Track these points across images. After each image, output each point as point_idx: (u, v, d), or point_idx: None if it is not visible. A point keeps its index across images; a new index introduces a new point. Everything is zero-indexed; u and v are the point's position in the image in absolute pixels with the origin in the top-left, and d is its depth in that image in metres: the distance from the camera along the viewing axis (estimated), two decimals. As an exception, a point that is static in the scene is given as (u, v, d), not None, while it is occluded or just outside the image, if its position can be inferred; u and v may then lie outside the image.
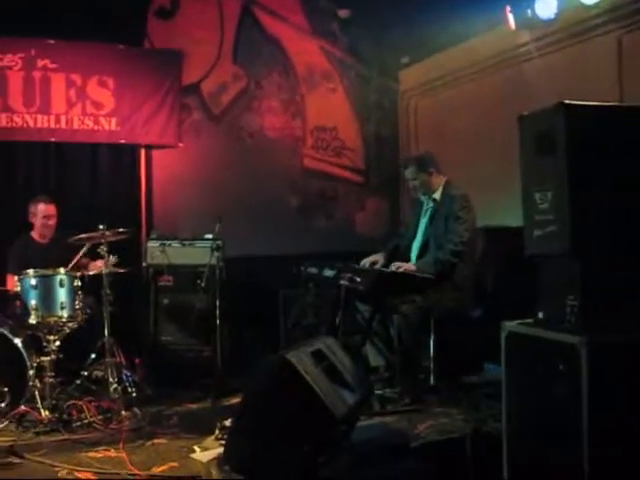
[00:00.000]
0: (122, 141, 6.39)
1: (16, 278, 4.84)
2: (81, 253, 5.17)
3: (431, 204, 5.08)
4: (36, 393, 4.56)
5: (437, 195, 5.05)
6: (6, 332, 4.54)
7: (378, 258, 5.19)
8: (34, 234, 5.59)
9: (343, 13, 7.39)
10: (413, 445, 3.73)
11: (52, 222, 5.56)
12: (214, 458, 3.45)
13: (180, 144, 6.62)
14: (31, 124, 6.06)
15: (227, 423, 3.90)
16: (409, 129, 7.59)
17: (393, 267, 4.86)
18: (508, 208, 5.50)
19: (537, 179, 3.03)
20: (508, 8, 5.74)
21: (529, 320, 3.14)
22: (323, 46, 7.35)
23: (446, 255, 4.79)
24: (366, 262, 5.18)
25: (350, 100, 7.53)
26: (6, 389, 4.42)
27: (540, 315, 3.07)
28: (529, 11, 5.57)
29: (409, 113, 7.59)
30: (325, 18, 7.35)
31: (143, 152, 6.60)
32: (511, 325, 3.17)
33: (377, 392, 4.63)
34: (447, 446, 3.76)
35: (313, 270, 5.24)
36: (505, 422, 3.20)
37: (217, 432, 3.96)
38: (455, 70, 6.81)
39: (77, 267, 5.24)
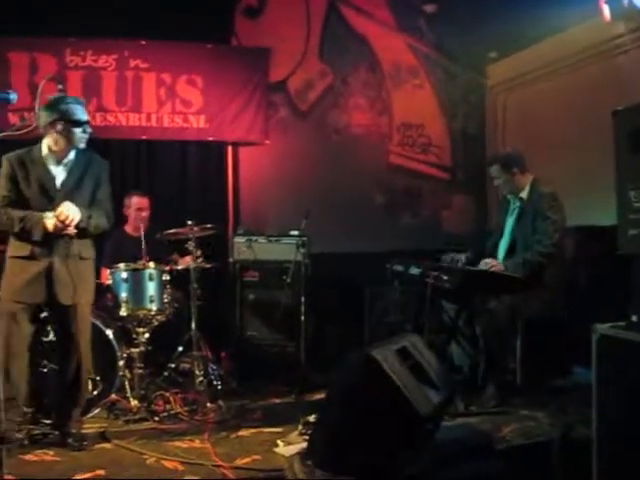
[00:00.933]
0: (210, 138, 6.51)
1: (108, 271, 5.01)
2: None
3: (518, 203, 4.95)
4: (126, 383, 4.73)
5: (524, 194, 4.90)
6: (99, 323, 4.69)
7: (457, 256, 5.10)
8: (127, 228, 5.77)
9: (429, 8, 7.29)
10: (498, 448, 3.65)
11: (145, 214, 5.72)
12: (297, 453, 3.48)
13: (267, 141, 6.68)
14: (123, 122, 6.25)
15: (310, 419, 3.93)
16: (497, 125, 7.42)
17: (483, 264, 4.77)
18: (600, 207, 5.32)
19: (632, 176, 2.91)
20: (603, -1, 5.54)
21: (622, 323, 3.02)
22: (409, 42, 7.26)
23: (535, 256, 4.65)
24: (447, 258, 5.10)
25: (437, 96, 7.43)
26: (98, 378, 4.57)
27: (634, 318, 2.95)
28: (625, 1, 5.35)
29: (497, 109, 7.42)
30: (411, 14, 7.26)
31: (230, 149, 6.69)
32: (603, 328, 3.05)
33: (461, 392, 4.56)
34: (533, 450, 3.67)
35: (399, 267, 5.19)
36: (595, 428, 3.09)
37: (300, 427, 3.99)
38: (546, 64, 6.61)
39: (166, 262, 5.39)
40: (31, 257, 3.90)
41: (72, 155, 4.01)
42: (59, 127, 3.88)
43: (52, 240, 3.89)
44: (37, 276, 3.89)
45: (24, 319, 3.92)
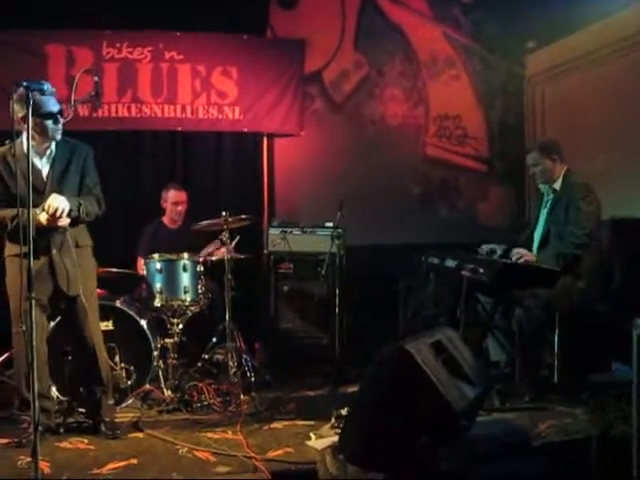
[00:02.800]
0: (245, 130, 6.50)
1: (142, 262, 5.03)
2: (213, 248, 5.36)
3: (551, 195, 4.86)
4: (160, 373, 4.76)
5: (557, 185, 4.81)
6: (133, 314, 4.72)
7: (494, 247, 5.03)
8: (165, 219, 5.81)
9: (466, -3, 7.20)
10: (534, 444, 3.59)
11: (181, 208, 5.75)
12: (329, 446, 3.45)
13: (302, 132, 6.65)
14: (159, 114, 6.27)
15: (343, 412, 3.89)
16: (535, 116, 7.29)
17: (515, 253, 4.68)
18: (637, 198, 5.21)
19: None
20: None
21: (663, 317, 2.94)
22: (446, 32, 7.16)
23: (568, 248, 4.58)
24: (484, 249, 5.03)
25: (474, 87, 7.32)
26: (132, 368, 4.60)
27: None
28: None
29: (535, 99, 7.29)
30: (447, 3, 7.16)
31: (265, 140, 6.67)
32: (644, 322, 2.98)
33: (497, 387, 4.49)
34: (570, 447, 3.59)
35: (434, 260, 5.13)
36: (635, 425, 3.02)
37: (333, 420, 3.96)
38: (586, 53, 6.46)
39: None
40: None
41: (53, 146, 3.97)
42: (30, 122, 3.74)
43: (47, 233, 3.87)
44: (38, 273, 3.80)
45: (37, 314, 3.85)
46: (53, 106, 3.85)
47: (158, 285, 4.84)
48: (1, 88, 5.59)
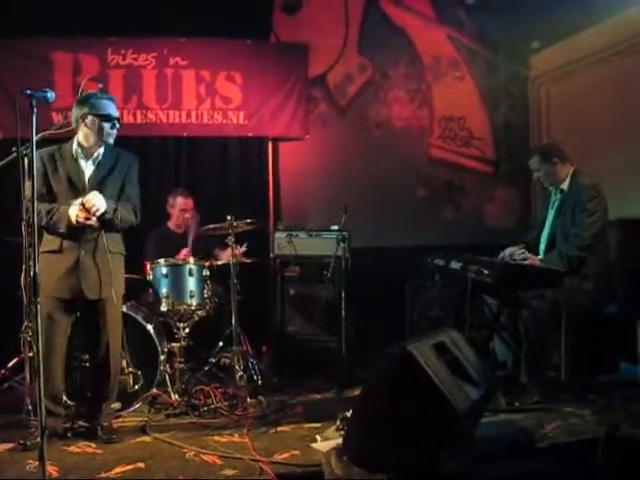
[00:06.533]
0: (250, 134, 6.52)
1: (149, 266, 5.05)
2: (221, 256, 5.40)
3: (558, 195, 4.86)
4: (167, 377, 4.77)
5: (565, 185, 4.81)
6: (139, 318, 4.74)
7: (515, 250, 5.01)
8: (170, 224, 5.84)
9: (469, -1, 7.21)
10: (540, 445, 3.58)
11: (188, 215, 5.78)
12: (333, 448, 3.45)
13: (307, 136, 6.67)
14: (164, 120, 6.31)
15: (348, 414, 3.89)
16: (540, 116, 7.29)
17: (518, 253, 4.68)
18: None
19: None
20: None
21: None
22: (450, 34, 7.17)
23: (572, 250, 4.58)
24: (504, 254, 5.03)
25: (478, 88, 7.32)
26: (139, 372, 4.62)
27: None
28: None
29: (540, 100, 7.28)
30: (451, 5, 7.17)
31: (270, 145, 6.69)
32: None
33: (504, 388, 4.48)
34: (577, 448, 3.58)
35: (440, 262, 5.11)
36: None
37: (338, 422, 3.97)
38: (592, 52, 6.44)
39: (207, 257, 5.42)
40: (60, 251, 3.94)
41: (101, 151, 4.03)
42: (88, 121, 3.92)
43: (80, 234, 3.93)
44: (66, 271, 3.92)
45: (60, 315, 3.97)
46: (112, 110, 3.98)
47: (164, 290, 4.86)
48: (8, 95, 5.67)
